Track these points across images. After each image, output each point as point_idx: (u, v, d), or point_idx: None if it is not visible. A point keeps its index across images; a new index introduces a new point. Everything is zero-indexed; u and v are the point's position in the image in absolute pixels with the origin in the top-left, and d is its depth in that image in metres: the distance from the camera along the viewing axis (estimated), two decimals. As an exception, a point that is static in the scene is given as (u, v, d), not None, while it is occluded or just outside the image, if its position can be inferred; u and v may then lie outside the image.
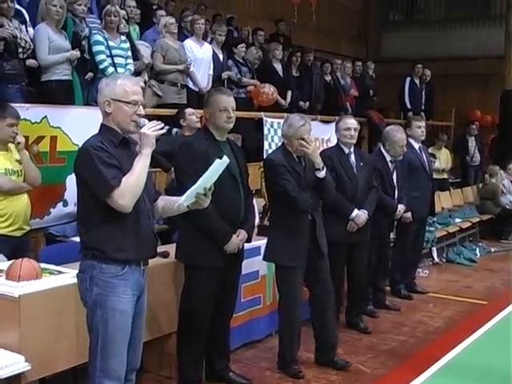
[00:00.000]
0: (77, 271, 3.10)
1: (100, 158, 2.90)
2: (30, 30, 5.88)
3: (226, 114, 3.97)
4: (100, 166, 2.89)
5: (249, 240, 4.20)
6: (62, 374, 3.64)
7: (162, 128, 3.01)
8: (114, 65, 6.19)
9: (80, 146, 3.16)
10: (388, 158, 5.90)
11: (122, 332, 2.99)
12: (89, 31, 6.36)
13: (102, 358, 2.96)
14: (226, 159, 3.13)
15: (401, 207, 5.93)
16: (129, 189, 2.89)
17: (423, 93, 11.41)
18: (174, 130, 3.10)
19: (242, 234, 4.07)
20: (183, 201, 3.11)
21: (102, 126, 3.09)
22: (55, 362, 3.45)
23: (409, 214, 6.09)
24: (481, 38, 14.29)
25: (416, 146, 6.49)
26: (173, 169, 5.51)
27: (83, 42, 6.30)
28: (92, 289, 2.97)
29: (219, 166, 3.09)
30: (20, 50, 5.52)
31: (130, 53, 6.45)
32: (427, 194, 6.57)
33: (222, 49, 8.07)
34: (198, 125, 5.58)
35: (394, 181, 5.91)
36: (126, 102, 3.00)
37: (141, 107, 3.05)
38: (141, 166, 2.95)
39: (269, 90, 8.15)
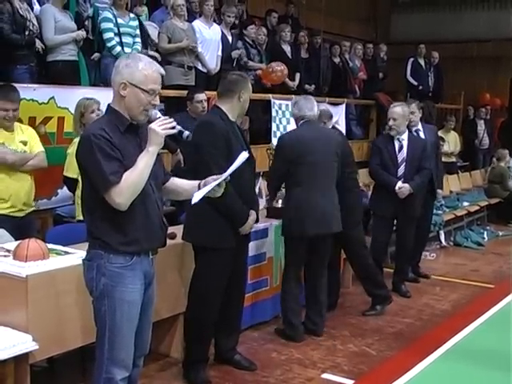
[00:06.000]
0: (84, 252, 3.05)
1: (101, 149, 2.74)
2: (36, 7, 5.86)
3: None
4: (100, 158, 2.73)
5: (257, 220, 4.20)
6: (69, 353, 3.69)
7: (173, 127, 2.83)
8: (121, 44, 6.17)
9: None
10: (394, 135, 5.81)
11: (129, 322, 2.92)
12: (93, 11, 6.33)
13: (110, 349, 2.90)
14: (246, 154, 3.17)
15: (400, 183, 5.70)
16: (128, 187, 2.75)
17: (432, 75, 11.32)
18: (186, 133, 2.93)
19: (254, 214, 4.09)
20: (203, 190, 2.99)
21: (109, 108, 2.94)
22: (63, 341, 3.47)
23: (403, 190, 5.74)
24: (492, 20, 14.10)
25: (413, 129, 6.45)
26: (179, 150, 5.53)
27: (86, 22, 6.27)
28: (99, 279, 2.87)
29: (242, 159, 3.09)
30: (27, 32, 5.49)
31: (138, 31, 6.43)
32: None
33: (231, 30, 8.03)
34: (203, 113, 5.55)
35: (399, 159, 5.80)
36: (144, 90, 2.82)
37: (157, 97, 2.88)
38: (144, 164, 2.78)
39: (277, 66, 8.12)
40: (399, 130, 5.74)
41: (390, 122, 5.74)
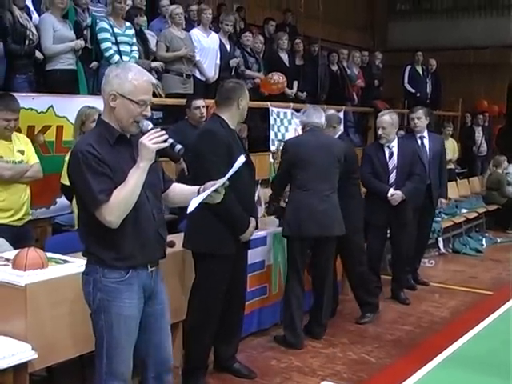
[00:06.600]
0: (82, 260, 3.04)
1: (89, 167, 2.67)
2: (35, 16, 5.89)
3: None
4: (88, 176, 2.66)
5: (256, 227, 4.21)
6: (69, 362, 3.67)
7: (165, 141, 2.73)
8: (119, 52, 6.20)
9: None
10: (384, 143, 5.81)
11: (127, 337, 2.88)
12: (91, 20, 6.36)
13: (108, 362, 2.87)
14: (243, 158, 3.13)
15: (392, 191, 5.69)
16: (119, 205, 2.68)
17: (429, 82, 11.36)
18: (178, 146, 2.88)
19: (253, 221, 4.10)
20: (200, 196, 2.94)
21: (99, 120, 2.87)
22: (62, 350, 3.47)
23: (395, 197, 5.74)
24: (489, 27, 14.16)
25: (418, 135, 6.46)
26: (182, 159, 5.53)
27: (85, 32, 6.30)
28: (95, 293, 2.84)
29: (239, 163, 3.06)
30: (27, 41, 5.52)
31: (134, 39, 6.45)
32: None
33: (230, 39, 8.05)
34: (201, 120, 5.57)
35: (390, 166, 5.79)
36: (133, 101, 2.74)
37: (148, 108, 2.79)
38: (135, 181, 2.70)
39: (279, 78, 8.15)
40: (389, 138, 5.73)
41: (380, 131, 5.72)
